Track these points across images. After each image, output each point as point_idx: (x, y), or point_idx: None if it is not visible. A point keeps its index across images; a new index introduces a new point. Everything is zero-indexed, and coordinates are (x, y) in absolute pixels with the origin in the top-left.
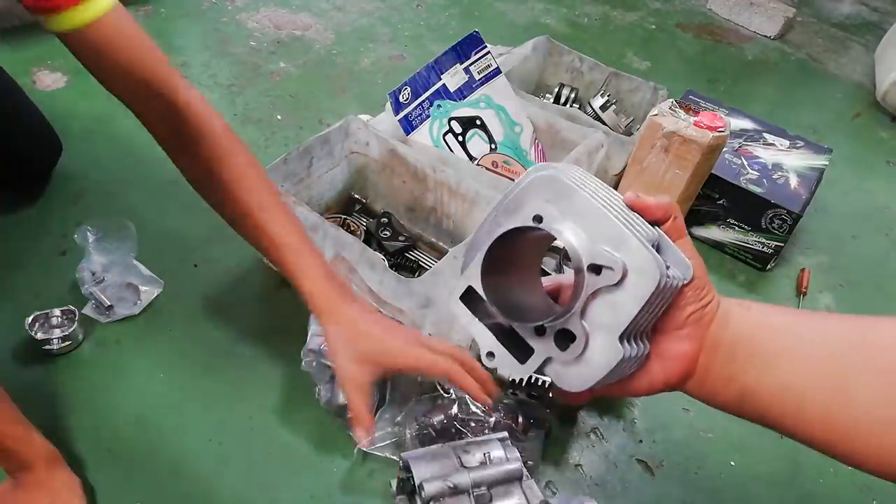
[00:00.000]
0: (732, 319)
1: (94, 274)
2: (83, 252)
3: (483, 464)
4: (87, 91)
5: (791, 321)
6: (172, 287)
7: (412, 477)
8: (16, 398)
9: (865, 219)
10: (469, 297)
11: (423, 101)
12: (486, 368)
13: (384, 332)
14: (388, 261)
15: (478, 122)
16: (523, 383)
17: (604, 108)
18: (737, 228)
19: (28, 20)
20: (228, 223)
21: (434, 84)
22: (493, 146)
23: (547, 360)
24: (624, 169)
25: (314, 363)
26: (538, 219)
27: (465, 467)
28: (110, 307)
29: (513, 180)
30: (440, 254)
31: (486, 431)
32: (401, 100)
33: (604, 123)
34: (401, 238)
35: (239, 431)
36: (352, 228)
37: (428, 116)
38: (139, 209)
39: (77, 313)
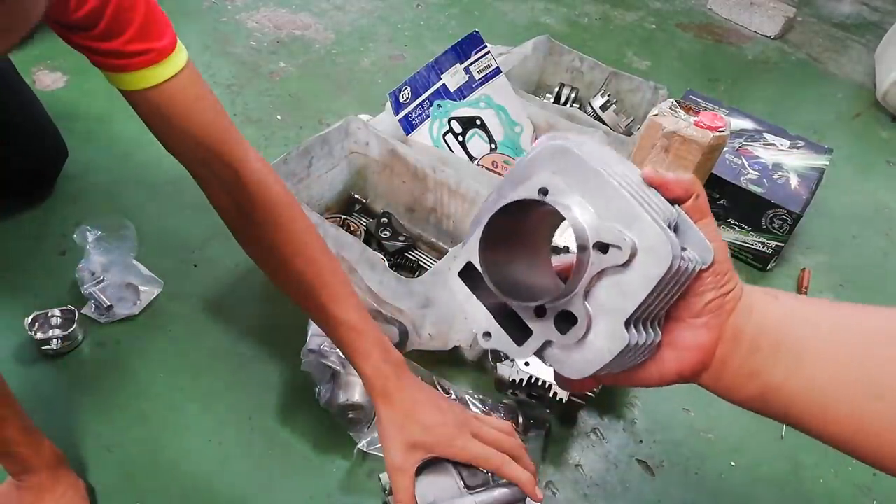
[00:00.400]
0: (756, 309)
1: (93, 274)
2: (83, 252)
3: (486, 484)
4: (87, 91)
5: (822, 313)
6: (172, 287)
7: None
8: (16, 398)
9: (866, 219)
10: (469, 273)
11: (423, 101)
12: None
13: (434, 418)
14: (388, 261)
15: (478, 122)
16: (524, 383)
17: (604, 107)
18: (737, 228)
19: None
20: (279, 287)
21: (434, 84)
22: (493, 146)
23: (547, 344)
24: None
25: (314, 363)
26: (544, 191)
27: (468, 487)
28: (110, 307)
29: None
30: (440, 254)
31: None
32: (401, 100)
33: (604, 123)
34: (401, 238)
35: (238, 431)
36: (352, 228)
37: (428, 116)
38: (139, 209)
39: (77, 313)
